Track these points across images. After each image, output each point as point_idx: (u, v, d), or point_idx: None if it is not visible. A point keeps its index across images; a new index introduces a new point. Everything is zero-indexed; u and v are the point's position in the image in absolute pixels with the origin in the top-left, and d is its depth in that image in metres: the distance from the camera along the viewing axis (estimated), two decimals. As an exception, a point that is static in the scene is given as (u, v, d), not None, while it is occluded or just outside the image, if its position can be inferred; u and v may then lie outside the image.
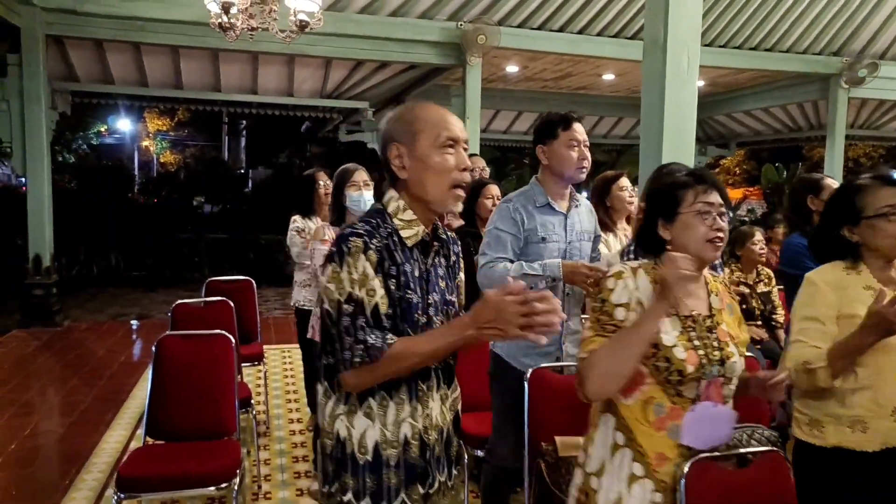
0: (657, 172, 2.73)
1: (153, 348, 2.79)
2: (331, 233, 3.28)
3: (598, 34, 7.89)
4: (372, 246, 1.39)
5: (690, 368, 1.55)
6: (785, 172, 15.16)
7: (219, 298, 3.84)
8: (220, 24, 4.89)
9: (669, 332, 1.58)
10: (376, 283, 1.38)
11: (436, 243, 1.52)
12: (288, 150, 18.83)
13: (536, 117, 11.39)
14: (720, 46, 8.14)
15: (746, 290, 4.16)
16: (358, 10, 7.13)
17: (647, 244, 1.71)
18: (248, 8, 4.95)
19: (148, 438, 2.76)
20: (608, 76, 9.51)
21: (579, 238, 2.50)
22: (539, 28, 7.70)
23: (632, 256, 2.53)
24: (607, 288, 1.62)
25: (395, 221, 1.46)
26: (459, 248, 1.65)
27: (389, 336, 1.38)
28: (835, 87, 8.90)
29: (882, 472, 1.79)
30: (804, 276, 1.90)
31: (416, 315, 1.45)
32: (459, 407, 1.60)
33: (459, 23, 7.32)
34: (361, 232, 1.41)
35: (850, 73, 8.68)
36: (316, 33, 5.85)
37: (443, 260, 1.55)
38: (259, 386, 4.64)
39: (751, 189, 18.46)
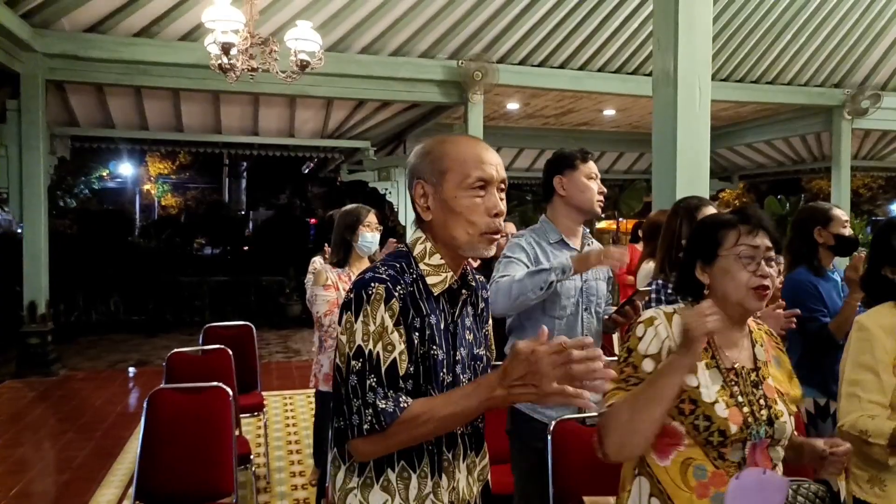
0: (676, 206, 2.61)
1: (144, 403, 2.61)
2: (334, 276, 3.12)
3: (600, 70, 7.89)
4: (396, 293, 1.23)
5: (734, 428, 1.38)
6: (787, 205, 15.11)
7: (217, 347, 3.67)
8: (220, 65, 4.84)
9: (709, 387, 1.41)
10: (395, 336, 1.22)
11: (465, 291, 1.35)
12: (288, 190, 18.86)
13: (538, 154, 11.41)
14: (722, 80, 8.12)
15: None
16: (360, 50, 7.13)
17: (685, 287, 1.55)
18: (249, 49, 4.91)
19: (138, 502, 2.56)
20: (609, 112, 9.50)
21: (595, 277, 2.37)
22: (540, 65, 7.71)
23: (654, 297, 2.38)
24: (636, 336, 1.46)
25: (422, 267, 1.30)
26: (488, 294, 1.49)
27: (404, 399, 1.20)
28: (838, 118, 8.87)
29: None
30: (855, 320, 1.75)
31: (441, 374, 1.27)
32: (489, 476, 1.41)
33: (460, 61, 7.31)
34: (385, 277, 1.25)
35: (853, 104, 8.65)
36: (318, 73, 5.82)
37: (470, 309, 1.39)
38: (259, 437, 4.43)
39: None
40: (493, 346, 1.49)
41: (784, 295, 2.75)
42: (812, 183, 19.24)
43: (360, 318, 1.21)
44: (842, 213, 2.79)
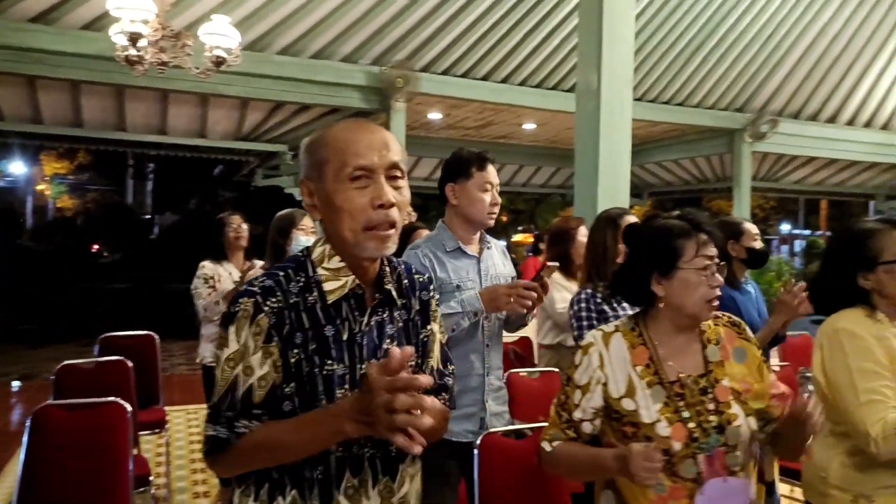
0: (598, 218, 2.62)
1: (28, 422, 2.33)
2: None
3: (521, 84, 7.98)
4: (266, 308, 1.12)
5: (677, 446, 1.35)
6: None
7: (114, 358, 3.36)
8: (126, 57, 4.51)
9: (650, 407, 1.38)
10: (257, 358, 1.11)
11: (378, 295, 1.22)
12: (198, 195, 18.09)
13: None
14: (637, 100, 8.40)
15: None
16: (279, 51, 6.89)
17: (635, 296, 1.51)
18: (159, 41, 4.61)
19: (17, 533, 2.27)
20: (529, 125, 9.65)
21: (495, 282, 2.25)
22: (463, 76, 7.71)
23: (584, 306, 2.35)
24: (574, 364, 1.48)
25: (320, 271, 1.18)
26: (430, 293, 1.35)
27: (242, 425, 1.11)
28: (739, 141, 9.39)
29: None
30: (833, 328, 1.71)
31: (340, 391, 1.14)
32: (414, 502, 1.28)
33: (383, 67, 7.21)
34: (256, 290, 1.14)
35: (753, 128, 9.20)
36: (232, 72, 5.54)
37: (400, 313, 1.26)
38: (160, 455, 4.11)
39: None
40: (438, 353, 1.35)
41: None
42: (712, 202, 20.43)
43: (226, 336, 1.13)
44: (752, 226, 2.89)
